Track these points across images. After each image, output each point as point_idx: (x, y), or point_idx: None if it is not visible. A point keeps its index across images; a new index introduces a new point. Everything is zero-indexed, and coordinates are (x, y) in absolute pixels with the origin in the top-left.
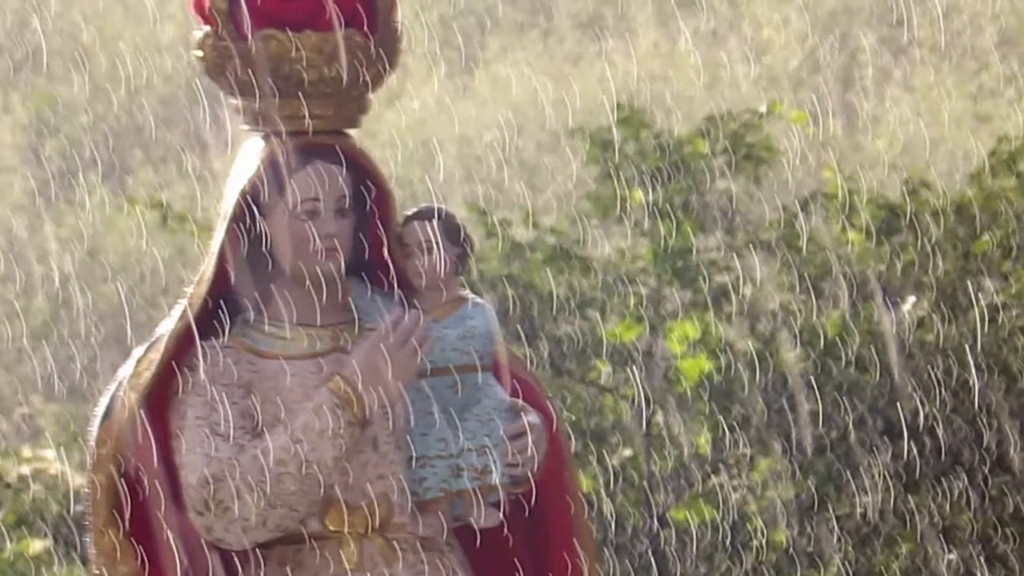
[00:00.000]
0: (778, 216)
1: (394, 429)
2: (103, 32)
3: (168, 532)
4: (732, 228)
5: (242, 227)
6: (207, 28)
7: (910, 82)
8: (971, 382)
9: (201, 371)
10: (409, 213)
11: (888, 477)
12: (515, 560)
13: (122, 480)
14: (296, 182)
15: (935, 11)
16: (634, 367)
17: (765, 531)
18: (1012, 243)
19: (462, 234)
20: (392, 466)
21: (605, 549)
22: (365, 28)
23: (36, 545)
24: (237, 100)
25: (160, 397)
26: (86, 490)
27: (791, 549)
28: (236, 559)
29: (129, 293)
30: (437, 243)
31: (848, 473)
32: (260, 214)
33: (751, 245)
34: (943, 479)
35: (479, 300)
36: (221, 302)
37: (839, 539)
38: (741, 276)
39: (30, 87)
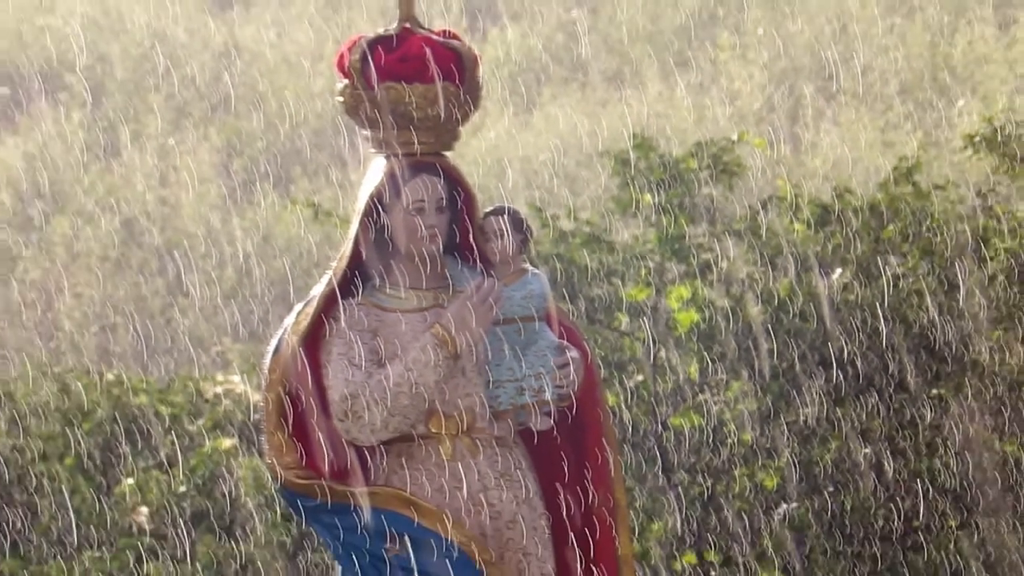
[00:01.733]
0: (745, 213)
1: (477, 361)
2: (273, 83)
3: (319, 433)
4: (713, 221)
5: (370, 220)
6: (346, 81)
7: (838, 119)
8: (880, 329)
9: (342, 321)
10: (487, 210)
11: (822, 395)
12: (561, 452)
13: (286, 397)
14: (408, 189)
15: (855, 69)
16: (644, 318)
17: (736, 432)
18: (909, 232)
19: (524, 225)
20: (475, 387)
21: (624, 445)
22: (457, 81)
23: (226, 443)
24: (367, 131)
25: (313, 339)
26: (261, 404)
27: (754, 445)
28: (366, 452)
29: (291, 266)
30: (507, 231)
31: (794, 392)
32: (383, 211)
33: (726, 233)
34: (861, 396)
35: (536, 271)
36: (356, 272)
37: (788, 438)
38: (720, 254)
39: (222, 122)
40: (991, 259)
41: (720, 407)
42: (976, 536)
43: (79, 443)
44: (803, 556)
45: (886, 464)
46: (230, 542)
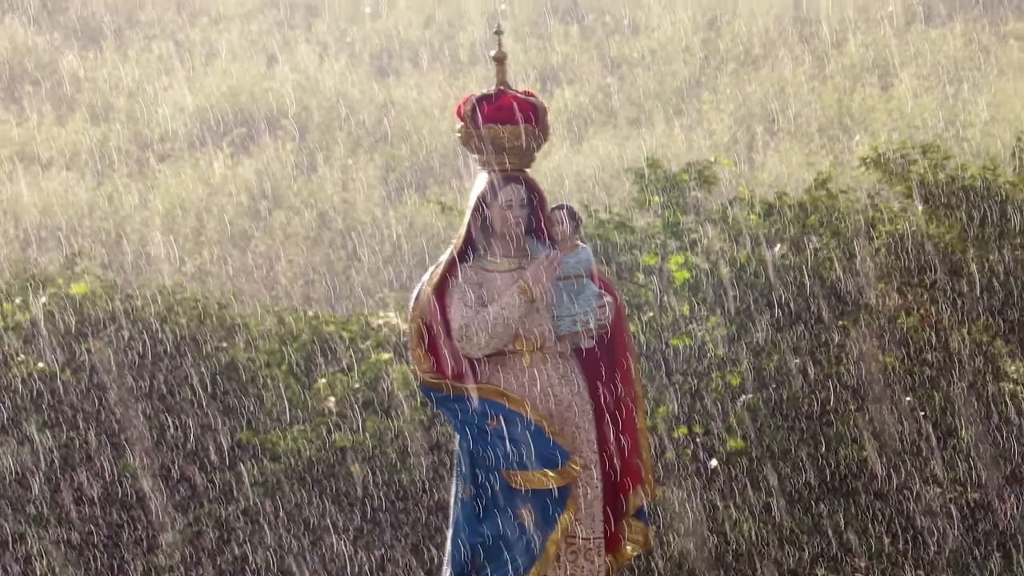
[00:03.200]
0: (719, 208)
1: (546, 304)
2: (415, 125)
3: (444, 350)
4: (698, 213)
5: (478, 213)
6: (462, 123)
7: (778, 148)
8: (805, 283)
9: (459, 277)
10: (553, 206)
11: (769, 326)
12: (601, 362)
13: (424, 326)
14: (502, 193)
15: (790, 115)
16: (654, 276)
17: (713, 349)
18: (824, 220)
19: (577, 216)
20: (545, 320)
21: (641, 357)
22: (534, 123)
23: (385, 356)
24: (475, 156)
25: (441, 289)
26: (407, 331)
27: (724, 357)
28: (474, 362)
29: (427, 243)
30: (565, 220)
31: (750, 323)
32: (486, 207)
33: (706, 221)
34: (793, 325)
35: (585, 245)
36: (468, 246)
37: (746, 353)
38: (702, 235)
39: (382, 150)
40: (876, 238)
41: (702, 333)
42: (866, 416)
43: (290, 356)
44: (756, 429)
45: (809, 369)
46: (387, 419)
